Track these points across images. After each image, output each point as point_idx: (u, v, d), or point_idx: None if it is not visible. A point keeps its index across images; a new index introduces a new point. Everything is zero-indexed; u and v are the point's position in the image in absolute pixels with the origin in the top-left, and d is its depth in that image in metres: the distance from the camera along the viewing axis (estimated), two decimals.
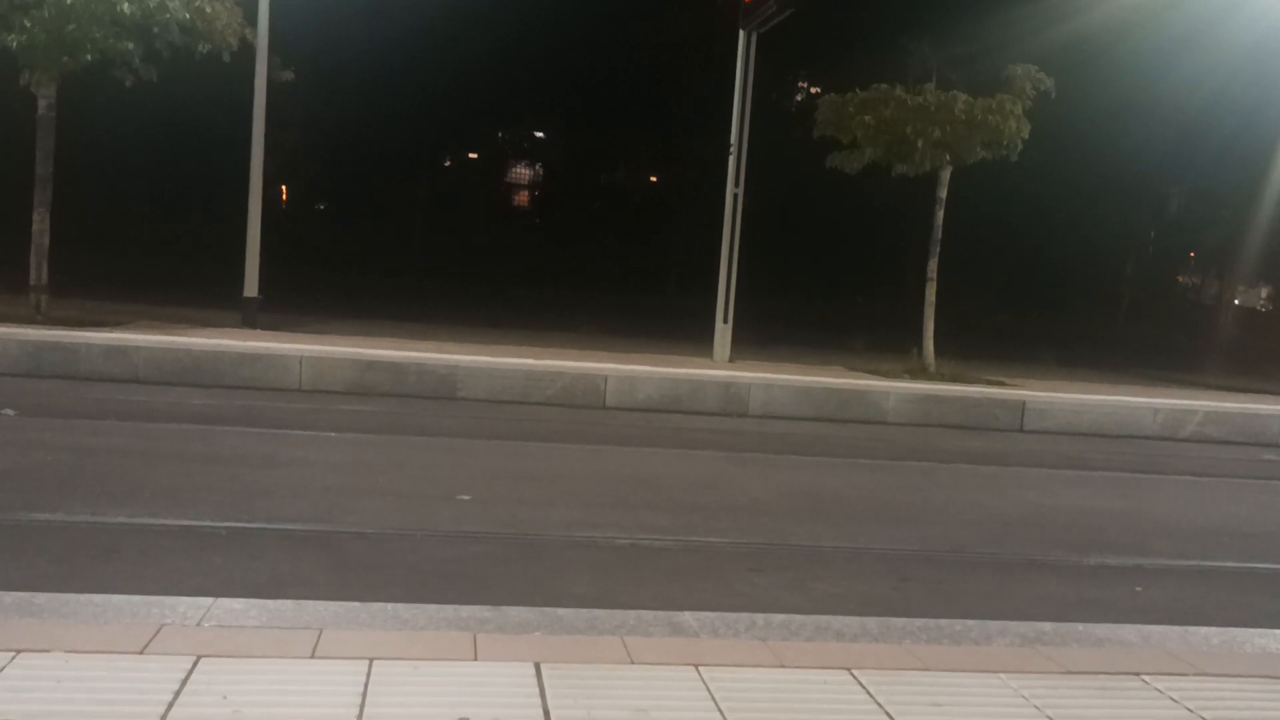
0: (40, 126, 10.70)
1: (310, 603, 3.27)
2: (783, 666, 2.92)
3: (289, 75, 12.63)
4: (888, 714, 2.64)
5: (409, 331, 12.78)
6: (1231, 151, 23.31)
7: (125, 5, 9.93)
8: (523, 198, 38.13)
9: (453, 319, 15.03)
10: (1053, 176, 23.14)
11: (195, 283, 15.47)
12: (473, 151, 34.86)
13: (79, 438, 6.44)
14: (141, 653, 2.67)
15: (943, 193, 12.80)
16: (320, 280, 19.47)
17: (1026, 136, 12.24)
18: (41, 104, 10.67)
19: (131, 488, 5.06)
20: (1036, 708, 2.75)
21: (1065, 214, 26.98)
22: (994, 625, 3.52)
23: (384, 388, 9.44)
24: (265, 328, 11.86)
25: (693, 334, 14.16)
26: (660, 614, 3.37)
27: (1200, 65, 20.23)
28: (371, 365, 9.52)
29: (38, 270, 10.70)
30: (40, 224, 10.69)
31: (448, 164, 34.19)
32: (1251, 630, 3.69)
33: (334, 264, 25.41)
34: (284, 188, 29.35)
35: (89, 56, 10.28)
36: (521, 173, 37.56)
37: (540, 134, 35.85)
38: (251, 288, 12.41)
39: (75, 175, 13.12)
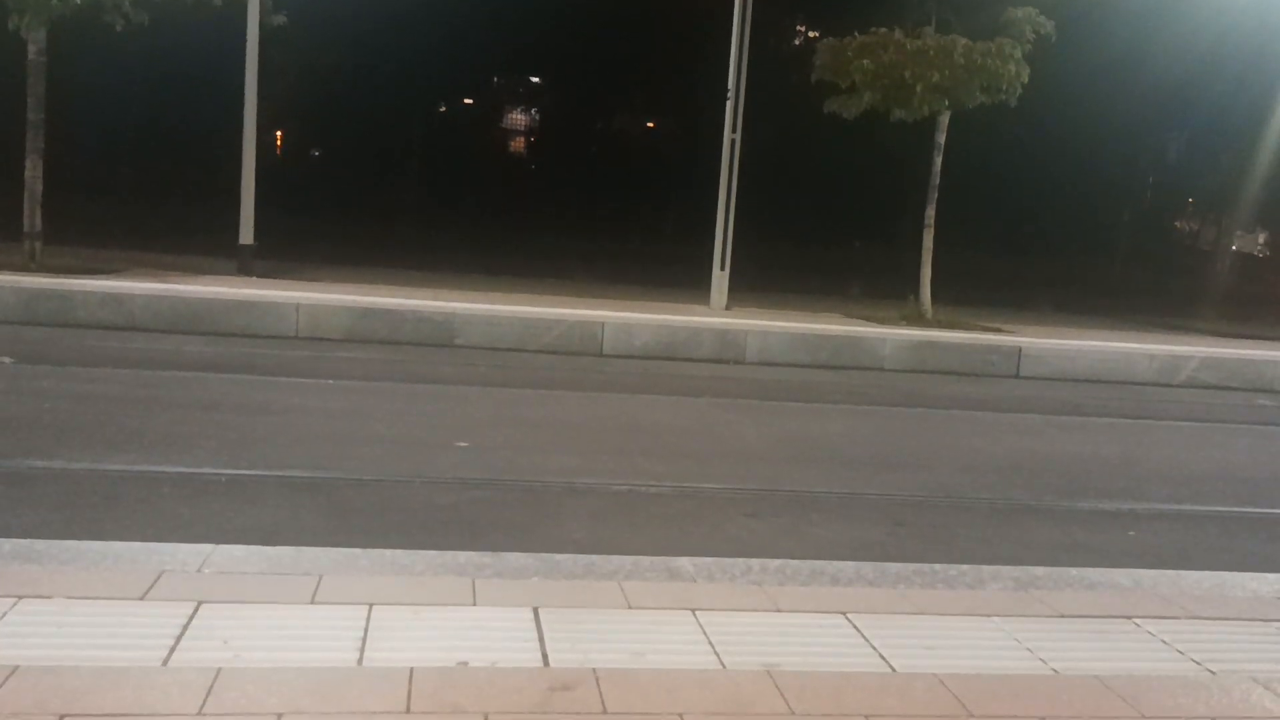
0: (31, 72, 10.58)
1: (310, 549, 3.28)
2: (778, 611, 2.95)
3: (282, 20, 12.47)
4: (882, 656, 2.67)
5: (406, 278, 12.76)
6: (1231, 98, 23.12)
7: None
8: (519, 144, 37.85)
9: (450, 265, 14.97)
10: (1051, 122, 22.94)
11: (191, 230, 15.36)
12: (469, 98, 34.54)
13: (76, 385, 6.45)
14: (142, 599, 2.69)
15: (941, 138, 12.73)
16: (316, 227, 19.31)
17: (1026, 81, 12.14)
18: (32, 49, 10.54)
19: (130, 435, 5.08)
20: (1029, 650, 2.78)
21: (1063, 159, 26.78)
22: (987, 570, 3.55)
23: (381, 335, 9.44)
24: (261, 275, 11.83)
25: (690, 280, 14.12)
26: (657, 559, 3.38)
27: (1202, 10, 19.99)
28: (368, 312, 9.51)
29: (31, 217, 10.64)
30: (33, 170, 10.62)
31: (443, 110, 33.88)
32: (1242, 574, 3.72)
33: (330, 211, 25.22)
34: (279, 134, 29.10)
35: (78, 0, 10.16)
36: (517, 119, 37.24)
37: (536, 79, 35.50)
38: (247, 235, 12.35)
39: (68, 121, 13.00)
